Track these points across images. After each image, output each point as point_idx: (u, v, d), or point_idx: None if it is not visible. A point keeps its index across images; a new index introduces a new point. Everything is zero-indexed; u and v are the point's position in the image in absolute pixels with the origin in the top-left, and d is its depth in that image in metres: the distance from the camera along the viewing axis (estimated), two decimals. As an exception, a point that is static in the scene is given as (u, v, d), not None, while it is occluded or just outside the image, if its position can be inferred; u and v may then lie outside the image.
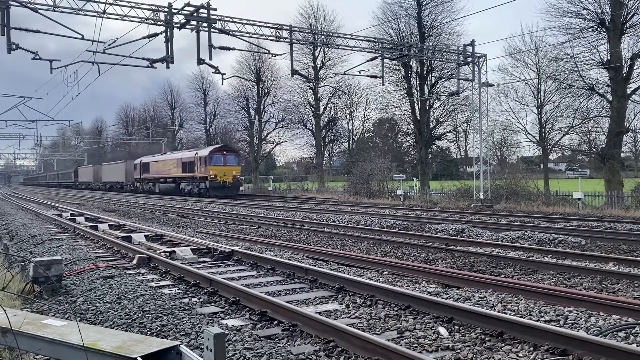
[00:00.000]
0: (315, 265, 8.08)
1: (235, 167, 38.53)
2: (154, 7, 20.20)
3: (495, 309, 5.54)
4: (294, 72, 24.52)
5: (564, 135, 33.22)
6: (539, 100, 33.44)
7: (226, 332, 4.73)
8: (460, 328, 4.90)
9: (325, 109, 48.58)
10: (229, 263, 8.85)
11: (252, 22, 22.25)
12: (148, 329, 4.99)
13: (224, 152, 38.50)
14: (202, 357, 3.45)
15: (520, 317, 5.16)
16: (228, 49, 21.45)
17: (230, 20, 21.67)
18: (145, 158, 51.58)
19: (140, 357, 3.07)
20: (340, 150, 58.49)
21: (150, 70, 22.00)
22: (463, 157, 52.11)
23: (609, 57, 26.04)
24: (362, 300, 6.02)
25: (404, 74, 38.79)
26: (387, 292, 5.98)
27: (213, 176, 36.77)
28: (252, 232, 14.81)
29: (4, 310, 3.49)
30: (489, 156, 30.65)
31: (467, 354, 4.26)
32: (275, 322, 5.21)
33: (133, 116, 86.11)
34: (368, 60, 26.00)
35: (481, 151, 27.04)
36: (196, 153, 39.54)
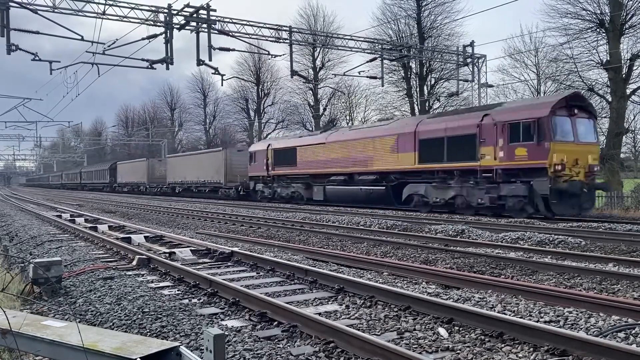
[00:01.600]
0: (315, 266, 8.08)
1: (592, 146, 17.67)
2: (153, 8, 20.24)
3: (495, 310, 5.54)
4: (293, 73, 24.59)
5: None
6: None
7: (226, 333, 4.73)
8: (460, 329, 4.90)
9: (324, 109, 48.62)
10: (229, 264, 8.85)
11: (251, 23, 22.29)
12: (148, 330, 4.99)
13: (575, 112, 17.18)
14: (201, 358, 3.45)
15: (520, 317, 5.16)
16: (228, 50, 21.50)
17: (230, 21, 21.71)
18: (280, 141, 30.87)
19: (140, 358, 3.07)
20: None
21: (148, 70, 22.02)
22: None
23: (608, 58, 26.07)
24: (362, 301, 6.01)
25: (403, 74, 38.84)
26: (387, 292, 5.97)
27: (559, 167, 16.32)
28: (252, 233, 14.80)
29: (4, 312, 3.49)
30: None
31: (467, 354, 4.25)
32: (275, 323, 5.21)
33: (133, 117, 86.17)
34: (368, 61, 26.07)
35: (481, 152, 26.98)
36: (485, 116, 18.03)
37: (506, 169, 17.37)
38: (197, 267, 8.34)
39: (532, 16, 78.26)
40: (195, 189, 40.13)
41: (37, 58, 20.45)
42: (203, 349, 3.49)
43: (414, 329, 4.95)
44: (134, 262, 8.67)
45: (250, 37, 22.44)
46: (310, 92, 47.73)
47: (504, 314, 5.31)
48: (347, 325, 4.78)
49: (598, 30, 26.64)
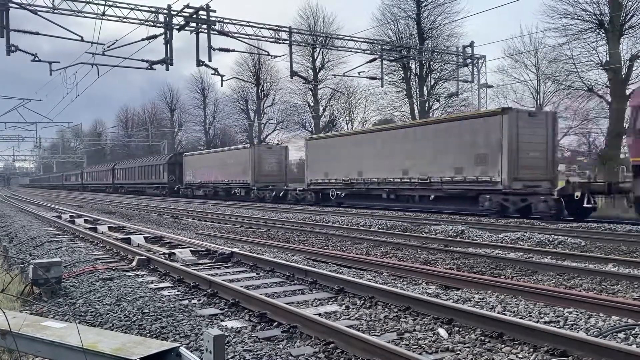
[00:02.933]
0: (315, 267, 8.08)
1: None
2: (153, 9, 20.25)
3: (495, 310, 5.54)
4: (293, 73, 24.59)
5: (563, 136, 33.23)
6: (538, 101, 33.48)
7: (226, 333, 4.73)
8: (460, 329, 4.90)
9: (324, 110, 48.63)
10: (229, 265, 8.85)
11: (251, 24, 22.30)
12: (147, 331, 4.98)
13: None
14: (201, 358, 3.45)
15: (520, 318, 5.16)
16: (227, 50, 21.51)
17: (230, 22, 21.72)
18: None
19: (140, 358, 3.06)
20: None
21: (146, 71, 22.08)
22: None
23: (607, 59, 26.10)
24: (361, 302, 6.01)
25: (403, 75, 38.86)
26: (386, 293, 5.97)
27: None
28: (252, 234, 14.80)
29: (4, 312, 3.49)
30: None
31: (467, 355, 4.25)
32: (275, 323, 5.21)
33: (132, 118, 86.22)
34: (367, 62, 26.08)
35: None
36: None
37: None
38: (197, 267, 8.34)
39: (531, 17, 78.28)
40: (391, 194, 22.31)
41: (36, 59, 20.46)
42: (203, 350, 3.49)
43: (414, 330, 4.95)
44: (134, 263, 8.67)
45: (250, 38, 22.45)
46: (310, 92, 47.73)
47: (504, 314, 5.31)
48: (347, 326, 4.78)
49: (597, 30, 26.67)
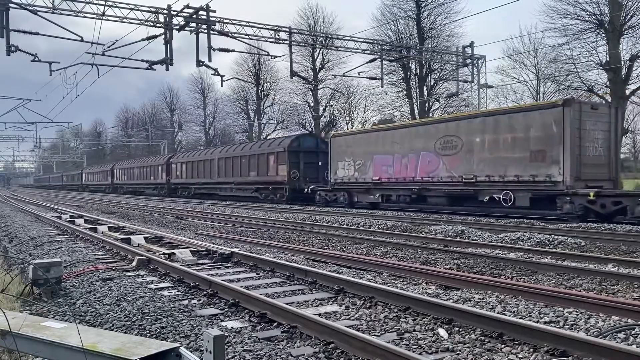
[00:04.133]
0: (315, 267, 8.08)
1: None
2: (153, 9, 20.26)
3: (495, 310, 5.54)
4: (293, 73, 24.61)
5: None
6: (538, 101, 33.48)
7: (226, 334, 4.73)
8: (460, 329, 4.90)
9: (324, 110, 48.63)
10: (229, 265, 8.85)
11: (251, 24, 22.30)
12: (147, 331, 4.98)
13: None
14: (201, 359, 3.45)
15: (520, 318, 5.16)
16: (227, 50, 21.52)
17: (230, 22, 21.73)
18: None
19: (140, 359, 3.06)
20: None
21: (144, 71, 22.12)
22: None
23: (607, 59, 26.11)
24: (361, 302, 6.01)
25: (403, 75, 38.87)
26: (386, 293, 5.97)
27: None
28: (252, 234, 14.79)
29: (3, 313, 3.49)
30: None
31: (467, 355, 4.25)
32: (275, 323, 5.21)
33: (132, 118, 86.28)
34: (367, 62, 26.10)
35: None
36: None
37: None
38: (197, 268, 8.34)
39: (531, 17, 78.35)
40: None
41: (36, 59, 20.47)
42: (203, 350, 3.49)
43: (414, 330, 4.94)
44: (134, 263, 8.66)
45: (250, 38, 22.46)
46: (310, 92, 47.76)
47: (504, 314, 5.31)
48: (347, 326, 4.78)
49: (597, 30, 26.69)
